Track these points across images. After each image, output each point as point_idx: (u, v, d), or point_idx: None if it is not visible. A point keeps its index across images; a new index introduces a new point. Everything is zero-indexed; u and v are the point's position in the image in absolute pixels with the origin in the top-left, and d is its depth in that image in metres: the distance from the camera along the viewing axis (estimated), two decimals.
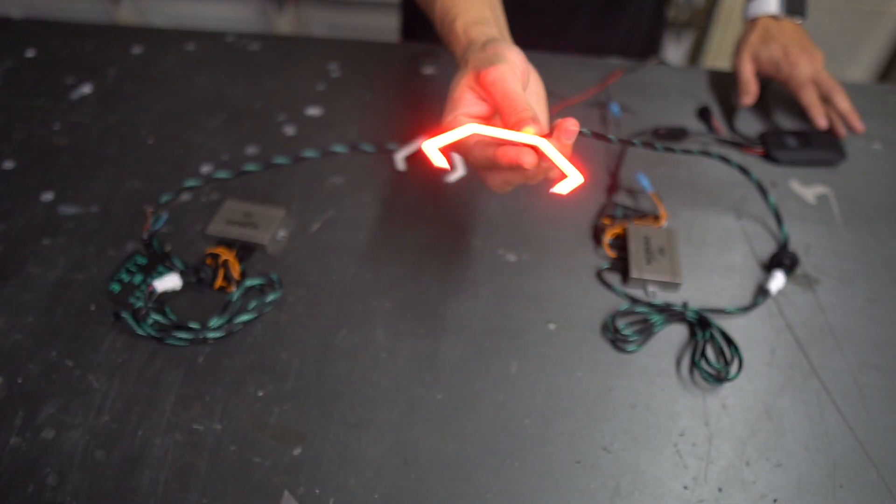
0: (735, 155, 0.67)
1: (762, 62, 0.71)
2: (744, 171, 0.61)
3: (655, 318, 0.50)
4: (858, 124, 0.66)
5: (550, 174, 0.40)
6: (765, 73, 0.71)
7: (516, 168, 0.36)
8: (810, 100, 0.67)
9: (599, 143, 0.68)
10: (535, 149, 0.36)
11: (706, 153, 0.57)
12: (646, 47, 0.93)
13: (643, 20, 0.89)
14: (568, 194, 0.36)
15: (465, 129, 0.36)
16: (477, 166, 0.39)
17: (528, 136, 0.35)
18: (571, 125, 0.36)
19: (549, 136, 0.36)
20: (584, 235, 0.58)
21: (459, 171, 0.64)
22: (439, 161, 0.37)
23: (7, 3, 1.78)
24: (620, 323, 0.50)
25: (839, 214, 0.61)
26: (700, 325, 0.50)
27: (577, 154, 0.68)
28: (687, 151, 0.54)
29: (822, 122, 0.66)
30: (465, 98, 0.40)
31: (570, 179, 0.36)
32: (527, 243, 0.57)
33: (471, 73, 0.40)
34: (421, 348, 0.49)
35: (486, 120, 0.41)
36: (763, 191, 0.59)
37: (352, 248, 0.57)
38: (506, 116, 0.37)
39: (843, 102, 0.66)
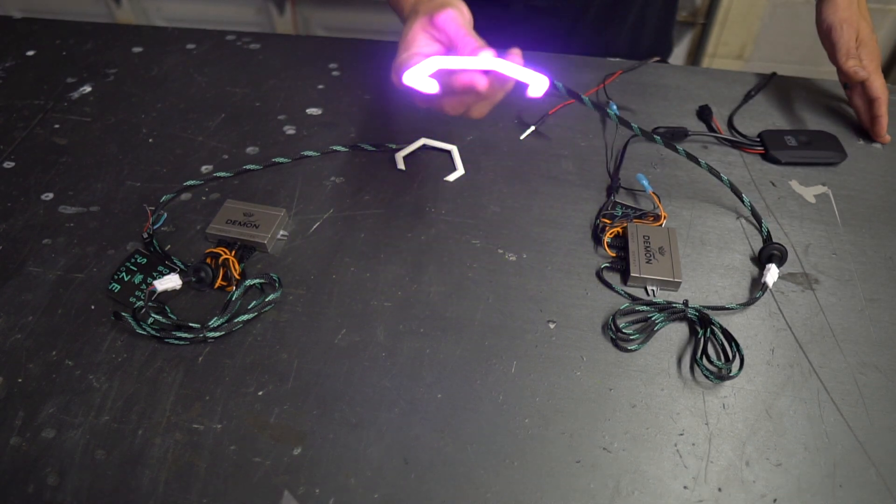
0: (734, 155, 0.67)
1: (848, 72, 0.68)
2: (722, 179, 0.60)
3: (656, 316, 0.50)
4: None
5: (497, 95, 0.44)
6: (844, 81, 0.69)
7: (470, 92, 0.40)
8: (882, 111, 0.66)
9: (599, 144, 0.68)
10: (494, 72, 0.40)
11: (693, 159, 0.57)
12: (654, 46, 0.92)
13: (651, 18, 0.89)
14: (541, 96, 0.41)
15: (431, 61, 0.40)
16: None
17: (487, 59, 0.39)
18: (516, 54, 0.41)
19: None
20: (584, 235, 0.58)
21: (459, 171, 0.64)
22: (427, 86, 0.40)
23: (7, 2, 1.78)
24: (622, 322, 0.50)
25: (839, 214, 0.61)
26: (701, 322, 0.50)
27: (578, 154, 0.68)
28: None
29: (886, 137, 0.66)
30: (419, 39, 0.44)
31: (538, 83, 0.40)
32: (527, 243, 0.57)
33: (423, 17, 0.44)
34: (421, 348, 0.49)
35: None
36: (736, 193, 0.58)
37: (352, 248, 0.57)
38: (462, 49, 0.41)
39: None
